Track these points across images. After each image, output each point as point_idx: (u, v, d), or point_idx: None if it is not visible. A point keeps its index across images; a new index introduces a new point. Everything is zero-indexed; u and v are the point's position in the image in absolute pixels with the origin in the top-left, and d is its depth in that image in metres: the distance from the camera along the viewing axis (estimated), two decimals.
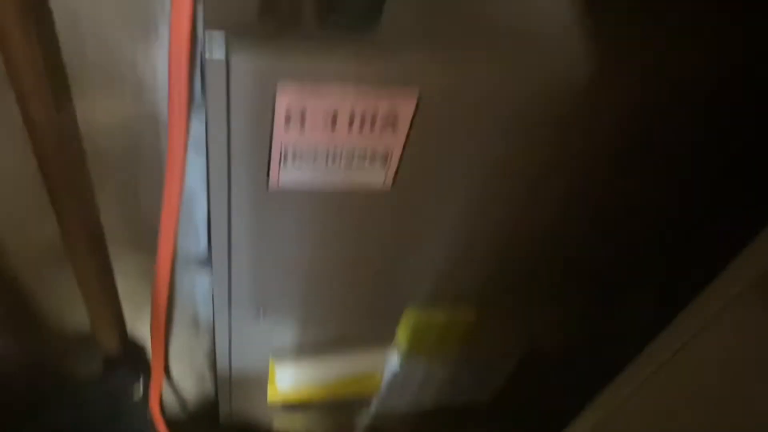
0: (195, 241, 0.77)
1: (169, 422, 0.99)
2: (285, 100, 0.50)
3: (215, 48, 0.47)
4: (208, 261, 0.81)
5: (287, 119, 0.52)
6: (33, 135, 0.57)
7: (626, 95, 0.58)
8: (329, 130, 0.54)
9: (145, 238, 0.74)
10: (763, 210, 0.43)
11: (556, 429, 0.74)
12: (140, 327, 0.89)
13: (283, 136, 0.53)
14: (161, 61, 0.56)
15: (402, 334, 0.85)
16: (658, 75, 0.57)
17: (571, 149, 0.61)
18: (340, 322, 0.82)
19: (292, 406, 1.01)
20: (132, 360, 0.89)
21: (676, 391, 0.50)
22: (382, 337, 0.86)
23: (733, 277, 0.39)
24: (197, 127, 0.60)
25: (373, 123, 0.54)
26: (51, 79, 0.55)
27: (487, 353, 0.94)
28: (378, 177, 0.60)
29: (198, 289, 0.85)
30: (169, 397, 1.05)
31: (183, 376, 1.01)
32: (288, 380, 0.86)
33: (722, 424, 0.45)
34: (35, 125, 0.56)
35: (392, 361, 0.88)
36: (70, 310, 0.81)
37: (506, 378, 1.02)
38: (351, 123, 0.53)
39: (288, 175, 0.58)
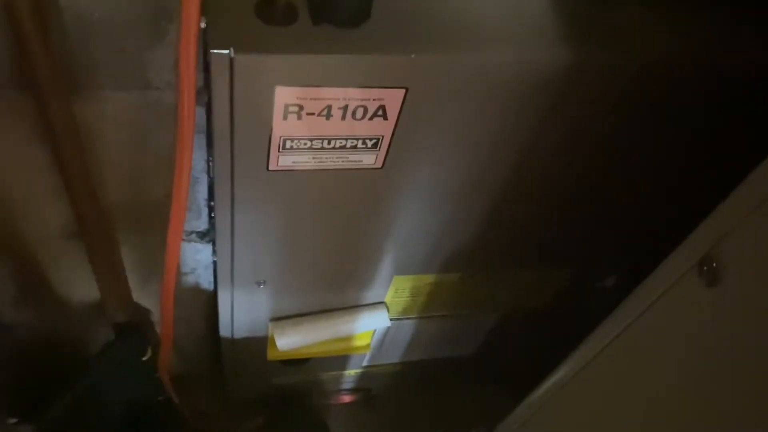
0: (196, 216, 0.82)
1: (175, 382, 1.06)
2: (283, 99, 0.54)
3: (222, 50, 0.51)
4: (208, 234, 0.86)
5: (285, 114, 0.56)
6: (49, 127, 0.61)
7: (597, 84, 0.62)
8: (324, 121, 0.58)
9: (148, 217, 0.79)
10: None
11: (534, 382, 0.80)
12: (145, 297, 0.94)
13: (281, 127, 0.58)
14: (166, 60, 0.60)
15: (391, 297, 0.91)
16: (624, 66, 0.61)
17: (547, 133, 0.66)
18: (334, 290, 0.88)
19: (290, 362, 1.07)
20: (138, 326, 0.94)
21: (624, 365, 0.54)
22: (373, 301, 0.92)
23: (676, 262, 0.44)
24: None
25: (364, 114, 0.58)
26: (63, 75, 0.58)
27: (471, 311, 1.01)
28: (369, 159, 0.65)
29: (200, 259, 0.90)
30: (173, 359, 1.11)
31: (185, 340, 1.07)
32: (286, 341, 0.91)
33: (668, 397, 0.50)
34: (51, 118, 0.60)
35: (382, 320, 0.94)
36: (82, 284, 0.86)
37: (491, 333, 1.09)
38: (344, 116, 0.58)
39: (286, 158, 0.62)
